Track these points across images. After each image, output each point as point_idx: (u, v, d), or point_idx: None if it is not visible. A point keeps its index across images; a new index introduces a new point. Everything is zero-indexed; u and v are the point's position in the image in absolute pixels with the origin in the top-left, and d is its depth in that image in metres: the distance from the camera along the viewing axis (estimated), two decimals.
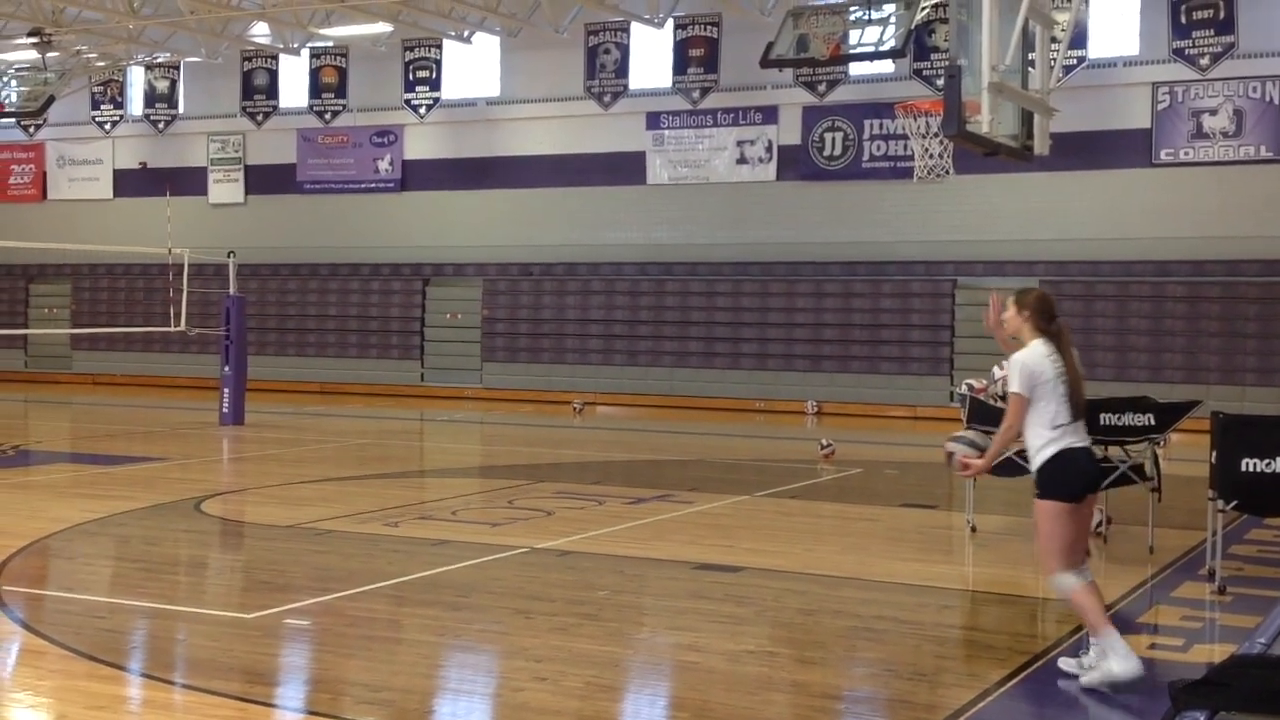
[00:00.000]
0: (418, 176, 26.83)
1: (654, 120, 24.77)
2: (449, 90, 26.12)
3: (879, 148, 23.13)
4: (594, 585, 8.33)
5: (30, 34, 24.79)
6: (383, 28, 24.70)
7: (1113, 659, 6.09)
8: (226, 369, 18.96)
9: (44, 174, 30.21)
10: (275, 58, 27.27)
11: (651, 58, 24.69)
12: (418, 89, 26.10)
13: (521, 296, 25.49)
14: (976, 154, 11.06)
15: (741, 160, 24.22)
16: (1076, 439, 6.32)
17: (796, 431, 19.90)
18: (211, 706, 5.71)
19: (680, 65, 24.17)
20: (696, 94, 24.12)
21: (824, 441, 15.82)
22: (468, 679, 6.52)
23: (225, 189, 28.43)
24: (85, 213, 29.40)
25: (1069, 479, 6.28)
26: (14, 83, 27.72)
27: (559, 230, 25.69)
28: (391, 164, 26.97)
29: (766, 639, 7.17)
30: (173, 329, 20.50)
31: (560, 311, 25.17)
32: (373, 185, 27.16)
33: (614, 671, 6.54)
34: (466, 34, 25.38)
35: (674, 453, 16.88)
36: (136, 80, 29.01)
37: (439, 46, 25.89)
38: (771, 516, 11.42)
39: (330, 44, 26.40)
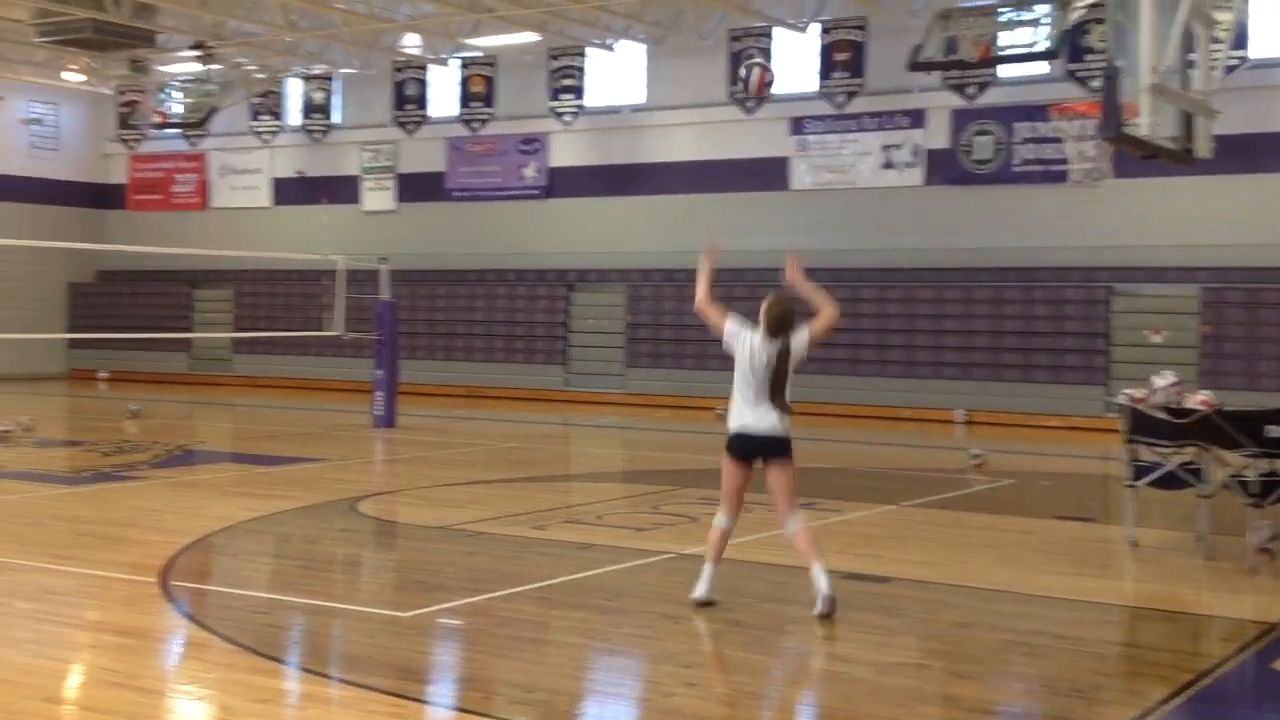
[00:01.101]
0: (563, 183, 27.14)
1: (797, 125, 24.65)
2: (594, 98, 26.37)
3: (1031, 151, 22.64)
4: (740, 592, 8.31)
5: (193, 47, 25.79)
6: (529, 37, 25.04)
7: None
8: (379, 372, 19.41)
9: (206, 183, 31.33)
10: (425, 68, 27.85)
11: (795, 62, 24.58)
12: (563, 97, 26.39)
13: (665, 302, 25.57)
14: (1134, 157, 10.77)
15: (887, 165, 23.95)
16: None
17: (945, 440, 19.58)
18: (369, 702, 5.85)
19: (825, 69, 24.00)
20: (841, 98, 23.92)
21: (974, 451, 15.53)
22: (617, 682, 6.57)
23: (377, 197, 29.14)
24: (245, 220, 30.41)
25: None
26: (178, 95, 28.85)
27: (702, 236, 25.62)
28: (537, 171, 27.33)
29: (917, 651, 7.07)
30: (328, 333, 21.08)
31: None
32: (519, 192, 27.55)
33: (762, 679, 6.52)
34: (611, 42, 25.59)
35: (818, 460, 16.75)
36: (294, 92, 29.91)
37: (583, 55, 26.15)
38: (920, 527, 11.25)
39: (479, 54, 26.86)
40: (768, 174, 24.95)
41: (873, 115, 23.94)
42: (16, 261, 29.43)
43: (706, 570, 7.80)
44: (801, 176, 24.73)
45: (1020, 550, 10.13)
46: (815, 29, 24.00)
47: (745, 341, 8.04)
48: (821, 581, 7.57)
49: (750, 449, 8.03)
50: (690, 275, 26.66)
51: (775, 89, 24.37)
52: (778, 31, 24.28)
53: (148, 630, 7.29)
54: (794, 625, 7.69)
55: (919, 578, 8.83)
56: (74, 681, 6.30)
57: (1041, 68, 21.93)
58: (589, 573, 8.77)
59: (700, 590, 7.72)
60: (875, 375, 23.50)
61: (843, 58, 23.83)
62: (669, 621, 7.45)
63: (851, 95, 23.82)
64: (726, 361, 27.46)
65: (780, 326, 7.91)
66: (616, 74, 26.40)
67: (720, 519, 7.98)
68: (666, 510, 11.65)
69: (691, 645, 6.87)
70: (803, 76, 24.51)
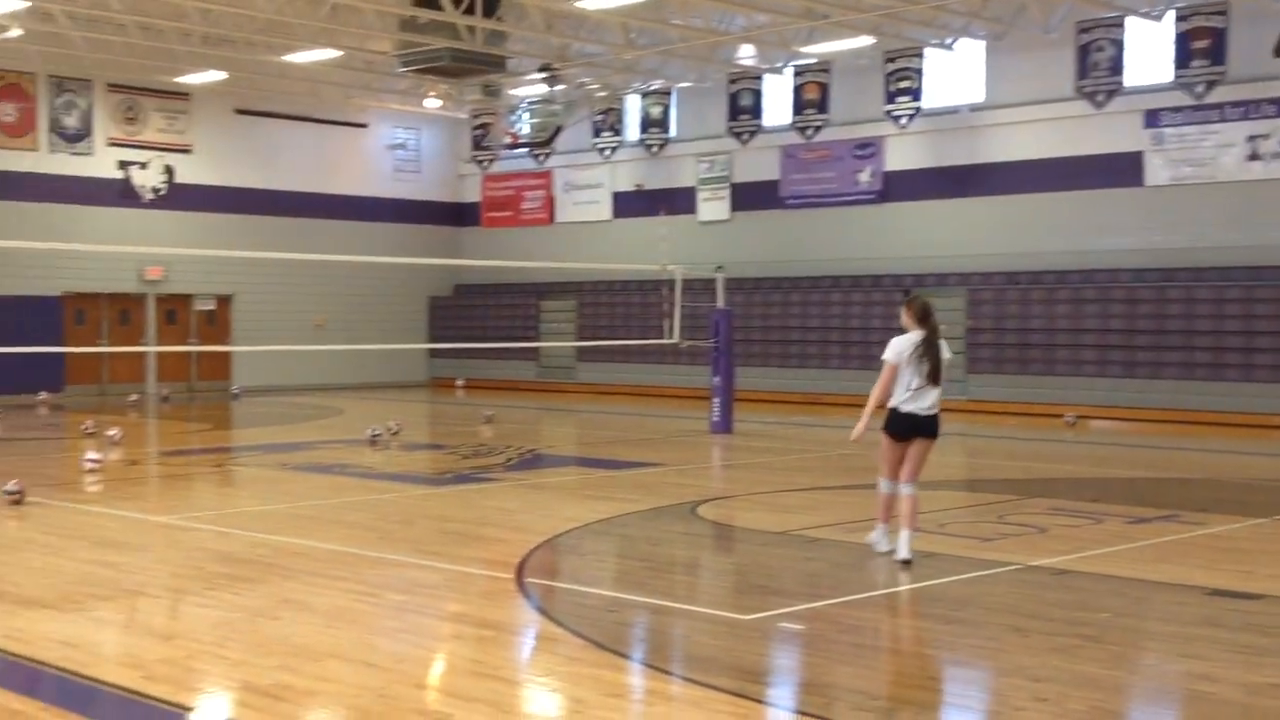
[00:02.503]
0: (899, 187, 26.76)
1: (1152, 118, 23.36)
2: (931, 99, 25.87)
3: None
4: (1094, 606, 7.94)
5: (540, 70, 27.01)
6: (864, 41, 24.83)
7: None
8: (716, 379, 19.70)
9: (552, 199, 32.73)
10: (759, 78, 28.10)
11: (1148, 52, 23.31)
12: (899, 99, 26.02)
13: (1008, 306, 24.77)
14: None
15: (1253, 157, 22.34)
16: None
17: None
18: (712, 701, 5.94)
19: (1182, 58, 22.63)
20: (1201, 88, 22.49)
21: None
22: (963, 693, 6.41)
23: (713, 207, 29.61)
24: (588, 233, 31.57)
25: None
26: (526, 116, 30.28)
27: (1047, 237, 24.79)
28: (872, 175, 27.06)
29: None
30: (666, 341, 21.58)
31: (1050, 321, 24.24)
32: (853, 198, 27.36)
33: (1120, 697, 6.21)
34: (949, 41, 25.04)
35: (1180, 470, 15.81)
36: (633, 107, 30.81)
37: (921, 56, 25.70)
38: None
39: (813, 61, 26.86)
40: (1120, 170, 23.76)
41: (1235, 105, 22.40)
42: (384, 278, 31.65)
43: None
44: (1157, 172, 23.42)
45: None
46: (1170, 16, 22.69)
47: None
48: (904, 548, 8.97)
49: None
50: (1035, 277, 25.88)
51: (1128, 80, 23.20)
52: (1130, 20, 23.10)
53: (505, 623, 7.67)
54: (1154, 642, 7.28)
55: None
56: (439, 669, 6.70)
57: None
58: (931, 582, 8.60)
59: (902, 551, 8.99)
60: (1241, 380, 21.95)
61: (1201, 45, 22.40)
62: (1016, 634, 7.20)
63: (1212, 84, 22.35)
64: (1077, 367, 26.39)
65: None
66: (954, 73, 25.81)
67: None
68: (1012, 520, 11.27)
69: (1042, 659, 6.61)
70: (1156, 67, 23.22)
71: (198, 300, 30.16)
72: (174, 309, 29.95)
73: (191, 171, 29.84)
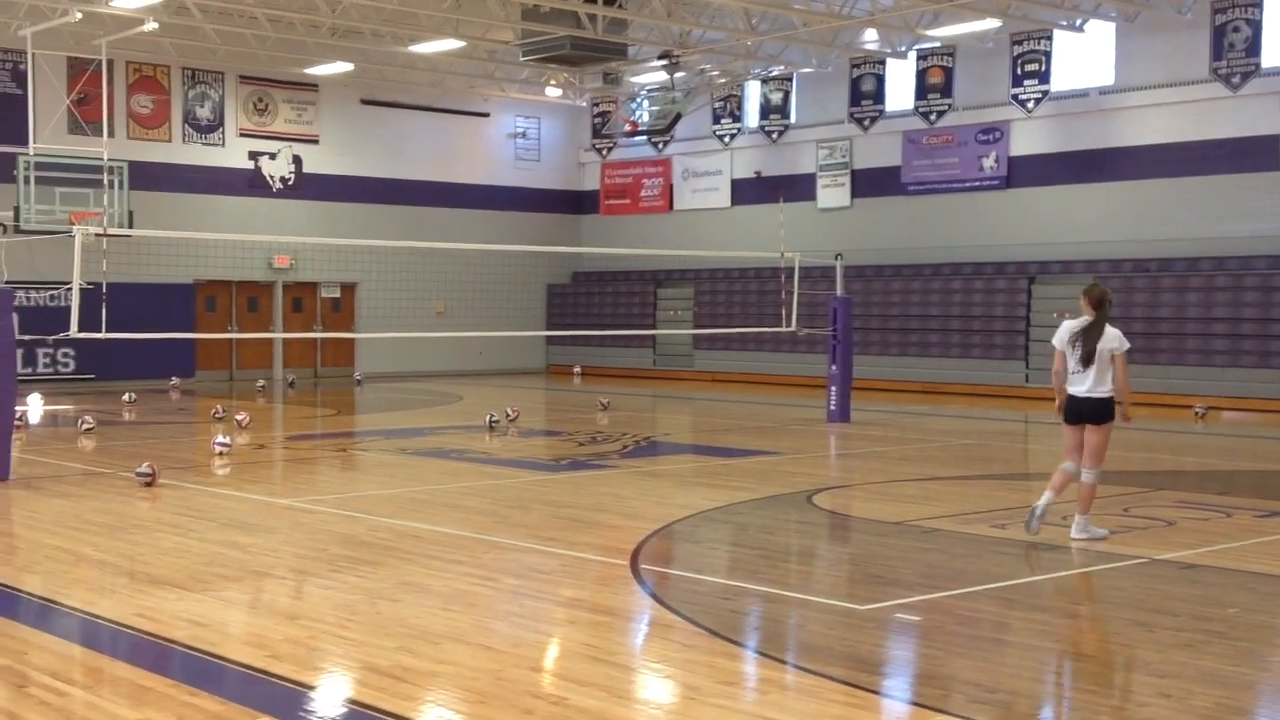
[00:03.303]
0: (1024, 172, 26.25)
1: None
2: (1058, 82, 25.31)
3: None
4: (1222, 602, 7.72)
5: (660, 57, 27.03)
6: (991, 23, 24.37)
7: None
8: (833, 367, 19.55)
9: (670, 186, 32.75)
10: (882, 63, 27.76)
11: None
12: (1025, 83, 25.51)
13: (1136, 294, 24.15)
14: None
15: None
16: None
17: None
18: (828, 691, 5.91)
19: None
20: None
21: None
22: (1084, 688, 6.27)
23: (832, 193, 29.36)
24: (706, 221, 31.55)
25: None
26: (646, 103, 30.33)
27: (1178, 223, 24.11)
28: (996, 161, 26.59)
29: None
30: (783, 329, 21.47)
31: (1180, 310, 23.58)
32: (977, 184, 26.91)
33: (1249, 694, 6.03)
34: (1079, 22, 24.45)
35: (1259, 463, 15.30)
36: (753, 94, 30.68)
37: (1049, 38, 25.16)
38: None
39: (937, 44, 26.45)
40: (1255, 153, 23.01)
41: None
42: (504, 265, 32.01)
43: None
44: None
45: None
46: None
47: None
48: (1074, 529, 9.54)
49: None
50: (1164, 264, 25.25)
51: (1265, 61, 22.44)
52: (1270, 1, 22.31)
53: (620, 609, 7.72)
54: None
55: None
56: (554, 654, 6.77)
57: None
58: (1053, 575, 8.44)
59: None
60: None
61: None
62: (1141, 629, 7.04)
63: None
64: (1207, 357, 25.68)
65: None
66: (1082, 56, 25.21)
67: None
68: (1139, 513, 11.00)
69: (1167, 655, 6.45)
70: None
71: (324, 288, 30.83)
72: (300, 297, 30.65)
73: (318, 161, 30.49)
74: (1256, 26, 22.58)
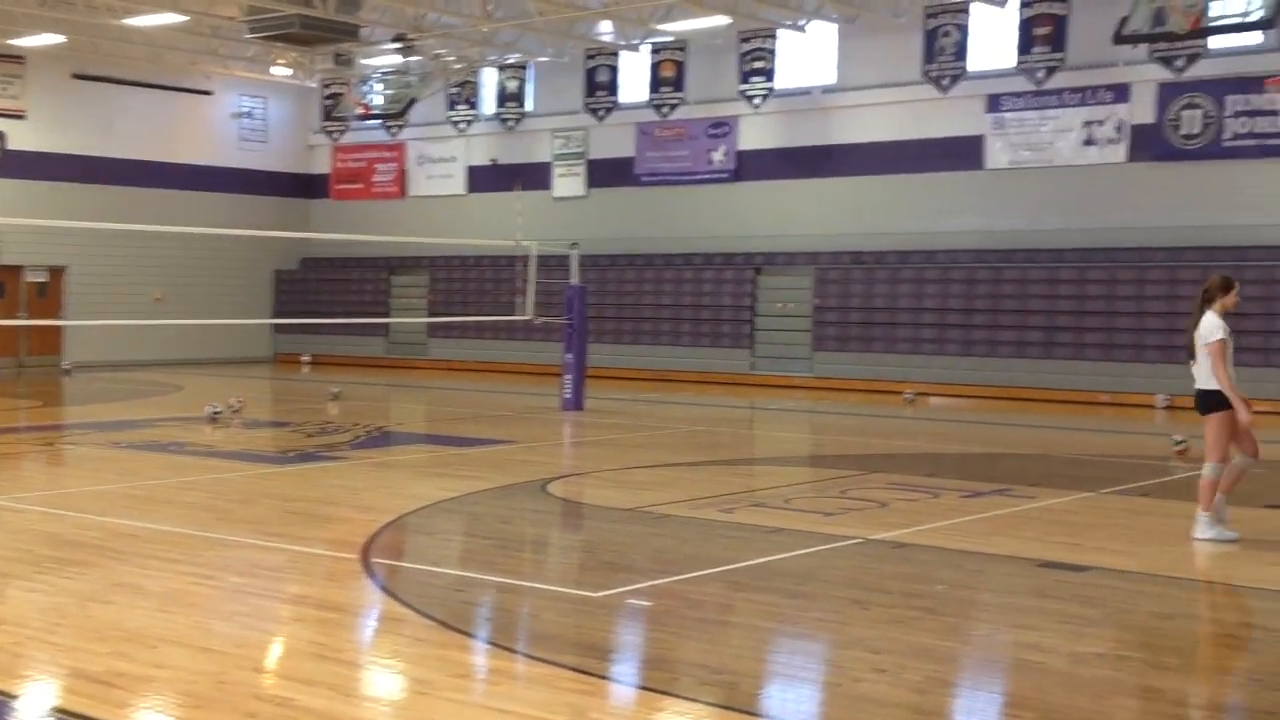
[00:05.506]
0: (751, 166, 27.06)
1: (994, 103, 24.05)
2: (784, 80, 26.19)
3: (1243, 125, 21.60)
4: (932, 579, 8.17)
5: (394, 40, 26.56)
6: (721, 20, 25.00)
7: None
8: (568, 356, 19.70)
9: (404, 172, 32.27)
10: (616, 55, 28.07)
11: (992, 38, 23.96)
12: (752, 79, 26.28)
13: (853, 285, 25.28)
14: None
15: (1089, 142, 23.17)
16: None
17: (1145, 426, 18.87)
18: (560, 679, 5.95)
19: (1024, 44, 23.30)
20: (1041, 74, 23.20)
21: (1177, 437, 14.90)
22: (805, 666, 6.53)
23: (568, 183, 29.55)
24: (441, 208, 31.23)
25: None
26: (380, 87, 29.77)
27: (892, 218, 25.35)
28: (726, 154, 27.31)
29: (1116, 642, 6.82)
30: (519, 318, 21.49)
31: (893, 300, 24.81)
32: (707, 176, 27.58)
33: (954, 667, 6.40)
34: (802, 23, 25.36)
35: (1012, 446, 16.35)
36: (489, 81, 30.53)
37: (775, 36, 25.99)
38: (1120, 515, 10.87)
39: (670, 39, 26.95)
40: (962, 153, 24.42)
41: (1074, 91, 23.19)
42: (227, 250, 30.85)
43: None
44: (997, 155, 24.12)
45: None
46: (1015, 3, 23.33)
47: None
48: (1198, 528, 9.36)
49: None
50: (879, 257, 26.49)
51: (971, 65, 23.83)
52: (975, 7, 23.70)
53: (350, 605, 7.56)
54: (987, 613, 7.52)
55: (1119, 567, 8.53)
56: (279, 653, 6.57)
57: (1254, 38, 20.93)
58: (776, 557, 8.74)
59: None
60: (1073, 359, 22.80)
61: (1043, 32, 23.09)
62: (857, 607, 7.37)
63: (1052, 70, 23.07)
64: (917, 345, 26.93)
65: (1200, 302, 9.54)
66: (807, 55, 26.16)
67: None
68: (855, 495, 11.52)
69: (881, 632, 6.78)
70: (999, 53, 23.88)
71: (29, 271, 29.01)
72: (3, 281, 28.75)
73: (25, 138, 28.63)
74: (964, 32, 23.94)
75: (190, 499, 11.01)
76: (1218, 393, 9.26)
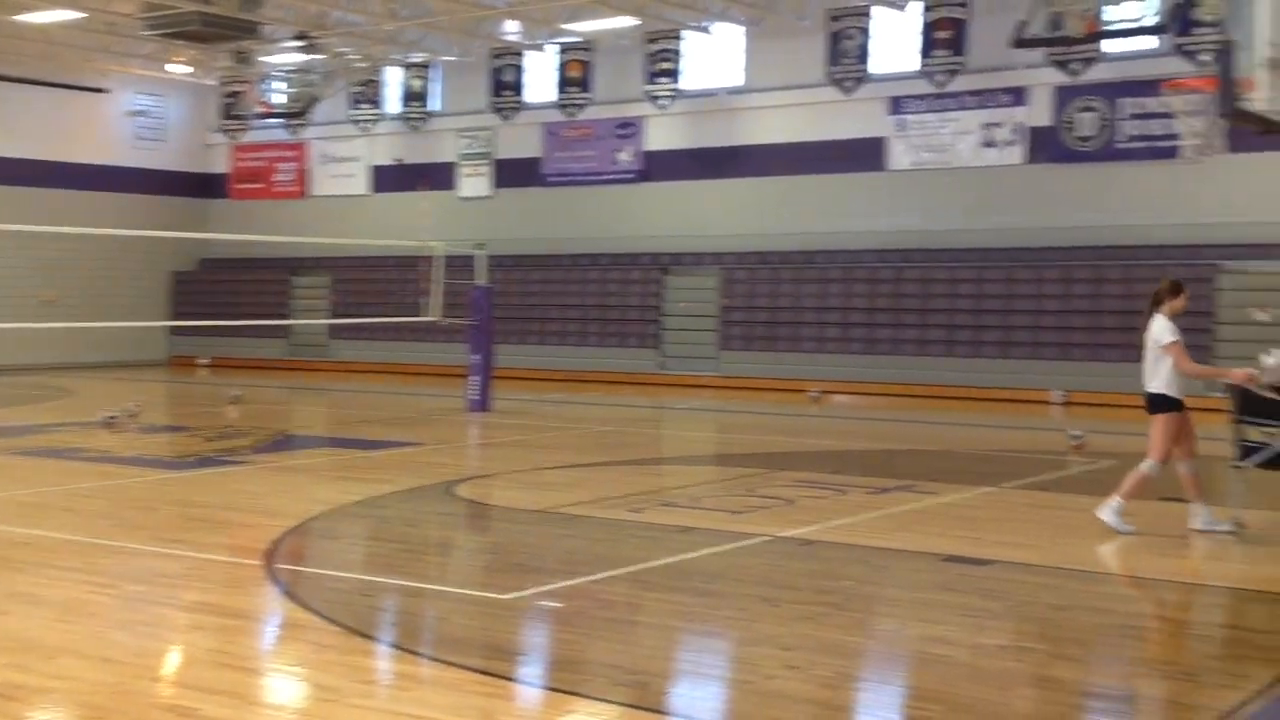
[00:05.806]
0: (658, 167, 27.13)
1: (896, 105, 24.38)
2: (690, 81, 26.29)
3: (1135, 127, 22.16)
4: (839, 575, 8.25)
5: (296, 38, 26.18)
6: (627, 21, 25.02)
7: None
8: (474, 357, 19.57)
9: (306, 172, 31.84)
10: (522, 55, 27.97)
11: (894, 42, 24.29)
12: (659, 80, 26.35)
13: (759, 285, 25.46)
14: (1252, 133, 10.47)
15: (988, 144, 23.60)
16: None
17: (1043, 422, 19.26)
18: (469, 683, 5.90)
19: (926, 48, 23.67)
20: (942, 77, 23.58)
21: (1074, 432, 15.24)
22: (716, 664, 6.55)
23: (474, 183, 29.38)
24: (344, 208, 30.86)
25: None
26: (281, 85, 29.33)
27: (797, 218, 25.58)
28: (633, 155, 27.35)
29: (1016, 633, 6.95)
30: (424, 319, 21.29)
31: (798, 300, 25.04)
32: (614, 176, 27.60)
33: (862, 662, 6.47)
34: (708, 24, 25.48)
35: (916, 442, 16.58)
36: (393, 80, 30.24)
37: (680, 38, 26.07)
38: (1020, 509, 11.08)
39: (576, 39, 26.91)
40: (865, 155, 24.72)
41: (973, 94, 23.60)
42: (124, 251, 30.17)
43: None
44: (899, 157, 24.45)
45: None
46: (916, 7, 23.68)
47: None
48: (1193, 517, 9.45)
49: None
50: (785, 257, 26.66)
51: (873, 68, 24.13)
52: (876, 10, 24.01)
53: (252, 612, 7.43)
54: (893, 608, 7.61)
55: (1020, 560, 8.69)
56: (180, 662, 6.44)
57: (1148, 42, 21.46)
58: (686, 556, 8.76)
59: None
60: (972, 356, 23.20)
61: (944, 36, 23.47)
62: (767, 605, 7.41)
63: (953, 74, 23.46)
64: (821, 344, 27.04)
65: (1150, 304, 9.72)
66: (713, 57, 26.30)
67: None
68: (762, 493, 11.60)
69: (791, 628, 6.83)
70: (901, 56, 24.21)
71: None
72: None
73: None
74: (867, 35, 24.23)
75: (87, 506, 10.74)
76: (1164, 395, 9.45)
